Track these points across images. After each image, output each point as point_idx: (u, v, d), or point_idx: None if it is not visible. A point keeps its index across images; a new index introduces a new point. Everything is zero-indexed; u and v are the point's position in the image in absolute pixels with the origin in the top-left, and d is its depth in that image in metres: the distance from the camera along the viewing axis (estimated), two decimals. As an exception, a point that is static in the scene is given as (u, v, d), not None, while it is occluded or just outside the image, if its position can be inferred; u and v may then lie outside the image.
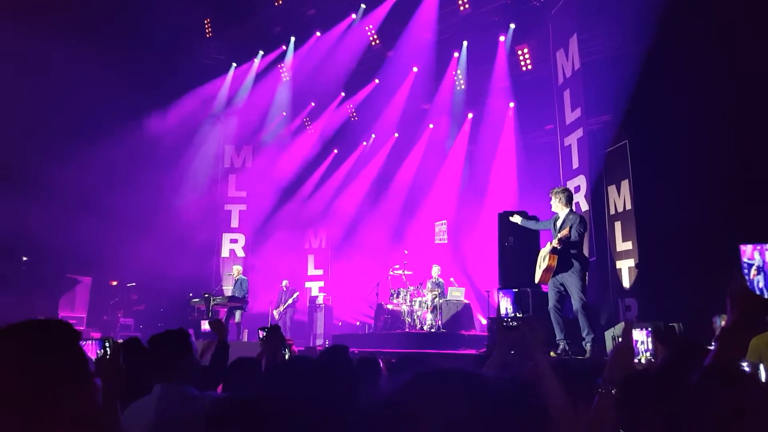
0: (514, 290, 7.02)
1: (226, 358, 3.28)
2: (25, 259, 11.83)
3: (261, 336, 3.60)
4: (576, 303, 5.82)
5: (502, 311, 7.06)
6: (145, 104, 12.04)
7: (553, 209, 6.30)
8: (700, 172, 7.19)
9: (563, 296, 5.99)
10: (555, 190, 6.32)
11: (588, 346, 5.75)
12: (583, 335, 5.80)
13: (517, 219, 6.80)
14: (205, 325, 10.11)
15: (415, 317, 10.04)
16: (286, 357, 3.44)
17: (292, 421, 1.04)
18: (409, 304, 10.15)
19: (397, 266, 10.88)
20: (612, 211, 8.62)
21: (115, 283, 12.85)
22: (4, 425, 1.10)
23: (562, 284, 5.95)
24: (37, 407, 1.12)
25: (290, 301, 12.04)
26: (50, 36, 9.65)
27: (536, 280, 6.14)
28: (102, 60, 10.13)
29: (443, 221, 13.35)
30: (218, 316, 10.57)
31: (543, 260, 6.01)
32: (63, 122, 10.74)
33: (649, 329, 3.01)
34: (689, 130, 7.32)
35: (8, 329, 1.21)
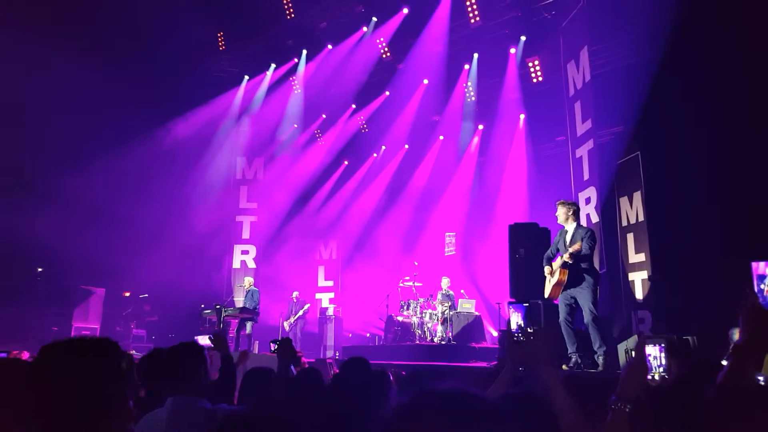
0: (525, 304, 6.96)
1: (233, 370, 3.28)
2: (39, 270, 12.00)
3: (273, 348, 3.61)
4: (587, 316, 5.78)
5: (513, 326, 7.00)
6: (158, 116, 12.21)
7: (559, 221, 6.25)
8: (714, 184, 7.13)
9: (574, 309, 5.96)
10: (564, 202, 6.28)
11: (600, 359, 5.70)
12: (595, 348, 5.75)
13: (547, 270, 6.23)
14: (204, 340, 10.04)
15: (426, 329, 9.99)
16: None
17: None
18: (419, 315, 10.10)
19: (407, 278, 10.85)
20: (624, 223, 8.54)
21: (128, 294, 12.97)
22: None
23: (573, 297, 5.91)
24: (77, 423, 1.13)
25: (301, 312, 12.05)
26: (66, 48, 9.84)
27: (546, 295, 6.09)
28: (116, 72, 10.31)
29: (452, 233, 13.33)
30: (229, 328, 10.60)
31: (552, 275, 5.97)
32: (78, 134, 10.91)
33: (663, 345, 2.98)
34: (702, 141, 7.26)
35: (56, 346, 1.22)
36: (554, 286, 5.89)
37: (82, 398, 1.15)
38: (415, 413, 0.82)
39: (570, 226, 6.15)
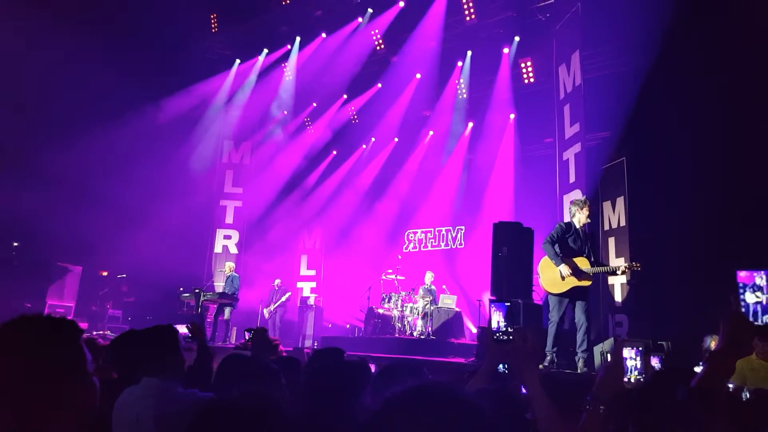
0: (507, 303, 7.00)
1: (210, 360, 3.25)
2: (15, 244, 11.77)
3: (247, 337, 3.61)
4: (583, 319, 5.86)
5: (494, 324, 7.05)
6: (146, 95, 12.00)
7: (577, 219, 6.14)
8: (697, 192, 7.25)
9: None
10: (587, 201, 6.24)
11: (581, 362, 5.78)
12: (579, 350, 5.83)
13: (567, 271, 5.90)
14: (182, 328, 9.91)
15: (406, 323, 10.03)
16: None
17: (275, 428, 1.03)
18: (400, 309, 10.14)
19: (390, 271, 10.87)
20: (606, 227, 8.66)
21: (105, 273, 12.78)
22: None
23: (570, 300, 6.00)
24: (32, 401, 1.11)
25: (282, 300, 12.01)
26: (54, 23, 9.61)
27: (556, 291, 6.01)
28: (105, 49, 10.11)
29: (415, 230, 13.47)
30: (208, 312, 10.53)
31: (578, 277, 5.87)
32: (62, 109, 10.69)
33: (640, 348, 3.02)
34: (687, 150, 7.38)
35: (10, 323, 1.20)
36: (574, 287, 5.89)
37: (35, 374, 1.13)
38: (397, 410, 0.81)
39: (580, 226, 6.13)
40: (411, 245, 13.65)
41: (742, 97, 6.79)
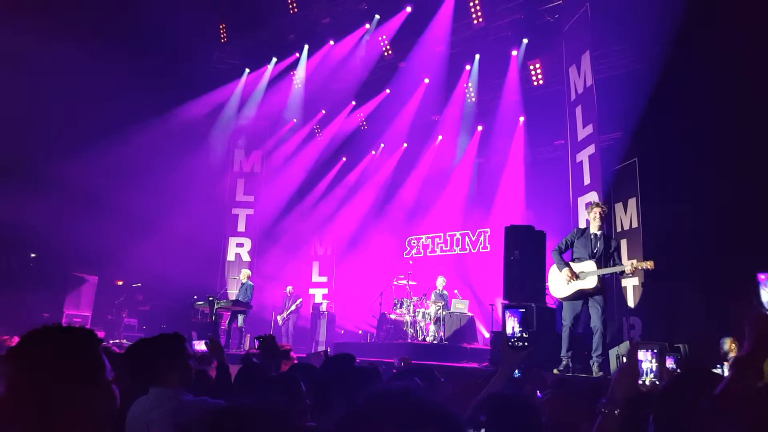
0: (522, 310, 6.96)
1: (228, 378, 3.26)
2: (33, 255, 11.94)
3: (257, 345, 3.63)
4: (599, 323, 5.81)
5: (509, 330, 7.00)
6: (157, 105, 12.15)
7: (594, 223, 6.09)
8: (710, 192, 7.17)
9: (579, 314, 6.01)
10: (595, 204, 6.20)
11: (595, 365, 5.73)
12: (594, 354, 5.79)
13: (568, 274, 5.98)
14: (200, 345, 9.89)
15: (418, 328, 10.00)
16: None
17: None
18: (412, 314, 10.11)
19: (402, 276, 10.86)
20: (618, 229, 8.59)
21: (120, 282, 12.91)
22: (22, 423, 1.12)
23: (584, 303, 5.95)
24: (53, 410, 1.14)
25: (293, 307, 12.05)
26: (65, 34, 9.76)
27: (560, 295, 6.02)
28: (115, 60, 10.24)
29: (419, 235, 13.42)
30: (221, 320, 10.58)
31: (575, 278, 5.86)
32: (76, 120, 10.85)
33: (656, 350, 2.99)
34: (700, 149, 7.30)
35: (31, 334, 1.23)
36: (578, 290, 5.86)
37: (55, 384, 1.16)
38: (364, 417, 0.82)
39: (597, 230, 6.08)
40: (414, 251, 13.65)
41: (756, 97, 6.72)
